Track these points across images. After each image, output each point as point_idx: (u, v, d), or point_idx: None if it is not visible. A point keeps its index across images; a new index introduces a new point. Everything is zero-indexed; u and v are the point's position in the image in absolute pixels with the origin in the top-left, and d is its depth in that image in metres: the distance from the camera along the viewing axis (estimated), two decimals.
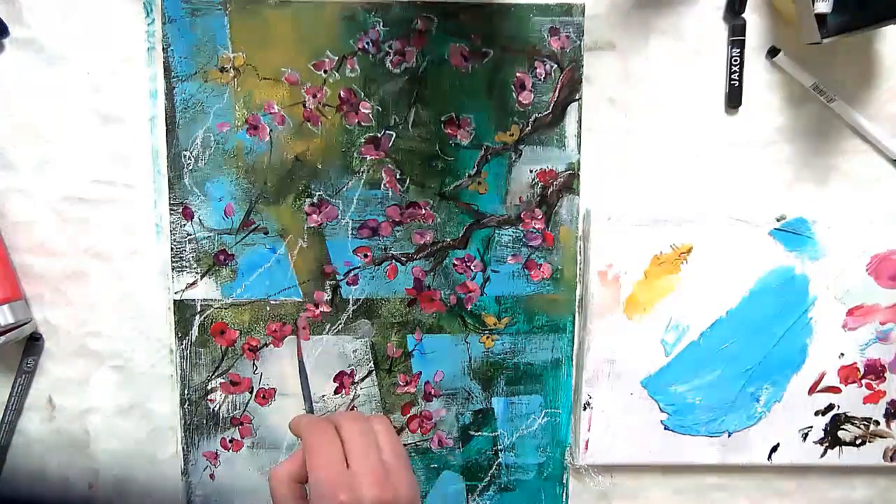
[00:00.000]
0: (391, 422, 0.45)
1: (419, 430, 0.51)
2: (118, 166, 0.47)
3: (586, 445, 0.50)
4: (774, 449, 0.51)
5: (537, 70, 0.47)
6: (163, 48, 0.46)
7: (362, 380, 0.50)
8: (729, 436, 0.51)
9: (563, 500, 0.52)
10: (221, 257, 0.48)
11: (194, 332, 0.49)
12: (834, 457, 0.51)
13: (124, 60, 0.46)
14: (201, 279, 0.48)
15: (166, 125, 0.47)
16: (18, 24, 0.46)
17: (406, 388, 0.50)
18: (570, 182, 0.49)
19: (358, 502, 0.34)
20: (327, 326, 0.49)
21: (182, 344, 0.49)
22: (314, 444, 0.37)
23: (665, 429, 0.50)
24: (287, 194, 0.48)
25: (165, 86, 0.46)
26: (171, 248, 0.48)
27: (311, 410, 0.50)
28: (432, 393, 0.50)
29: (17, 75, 0.46)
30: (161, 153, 0.47)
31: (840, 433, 0.51)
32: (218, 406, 0.50)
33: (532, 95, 0.48)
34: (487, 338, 0.50)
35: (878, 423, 0.51)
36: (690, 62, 0.48)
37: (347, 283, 0.49)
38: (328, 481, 0.35)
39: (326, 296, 0.49)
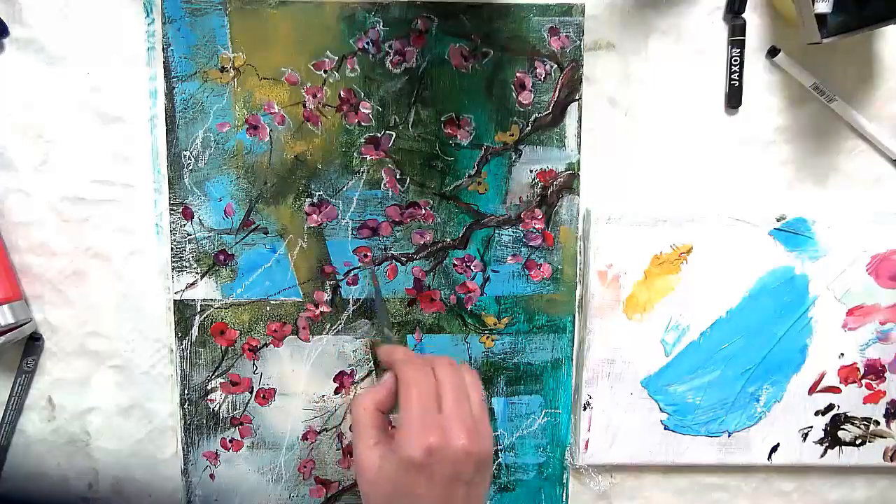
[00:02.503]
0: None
1: None
2: (118, 166, 0.47)
3: (586, 445, 0.50)
4: (774, 449, 0.51)
5: (537, 70, 0.47)
6: (163, 48, 0.46)
7: (362, 380, 0.50)
8: (729, 436, 0.51)
9: (563, 500, 0.52)
10: (221, 257, 0.48)
11: (194, 332, 0.49)
12: (834, 457, 0.51)
13: (124, 60, 0.46)
14: (201, 279, 0.48)
15: (166, 125, 0.47)
16: (18, 24, 0.46)
17: None
18: (570, 182, 0.49)
19: (447, 447, 0.34)
20: (327, 326, 0.49)
21: (182, 344, 0.49)
22: (412, 380, 0.36)
23: (665, 429, 0.50)
24: (287, 194, 0.48)
25: (165, 86, 0.46)
26: (171, 248, 0.48)
27: (387, 339, 0.47)
28: None
29: (17, 75, 0.46)
30: (161, 153, 0.47)
31: (840, 433, 0.51)
32: (218, 406, 0.50)
33: (532, 95, 0.48)
34: (487, 338, 0.50)
35: (878, 423, 0.51)
36: (690, 62, 0.48)
37: (347, 283, 0.49)
38: (421, 420, 0.35)
39: (326, 296, 0.49)
